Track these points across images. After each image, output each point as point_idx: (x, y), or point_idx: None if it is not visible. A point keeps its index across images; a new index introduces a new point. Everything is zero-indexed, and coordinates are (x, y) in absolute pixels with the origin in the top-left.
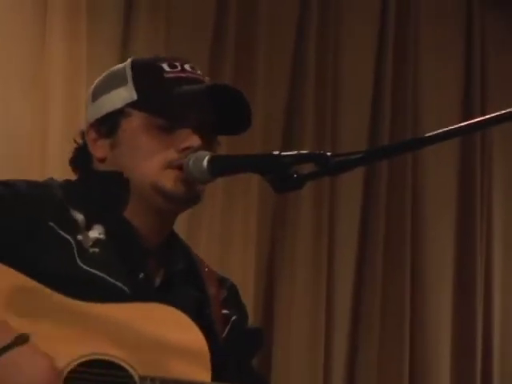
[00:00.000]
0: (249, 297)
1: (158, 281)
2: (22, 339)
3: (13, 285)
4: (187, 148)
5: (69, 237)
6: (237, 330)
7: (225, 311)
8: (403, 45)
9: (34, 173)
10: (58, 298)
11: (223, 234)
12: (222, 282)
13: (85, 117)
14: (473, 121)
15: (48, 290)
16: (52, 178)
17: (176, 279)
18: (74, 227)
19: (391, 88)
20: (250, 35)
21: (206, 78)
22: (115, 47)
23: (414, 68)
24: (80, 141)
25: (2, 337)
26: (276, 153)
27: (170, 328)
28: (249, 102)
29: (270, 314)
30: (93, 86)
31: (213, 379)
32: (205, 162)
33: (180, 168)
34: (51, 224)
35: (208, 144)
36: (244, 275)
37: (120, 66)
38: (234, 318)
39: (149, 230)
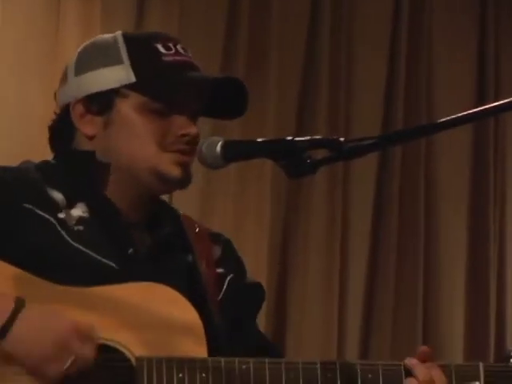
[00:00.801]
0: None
1: (146, 251)
2: (20, 302)
3: (4, 277)
4: (184, 135)
5: (49, 216)
6: (234, 288)
7: (220, 270)
8: (417, 37)
9: (46, 157)
10: (53, 286)
11: (236, 220)
12: (215, 238)
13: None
14: (486, 106)
15: (39, 279)
16: (28, 161)
17: (164, 246)
18: (53, 206)
19: (405, 78)
20: (263, 25)
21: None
22: (129, 27)
23: (428, 59)
24: (58, 114)
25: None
26: (289, 138)
27: (163, 306)
28: (247, 89)
29: (283, 301)
30: (75, 58)
31: (209, 352)
32: (218, 148)
33: (176, 151)
34: (27, 206)
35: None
36: (257, 261)
37: (108, 39)
38: (230, 276)
39: (131, 207)
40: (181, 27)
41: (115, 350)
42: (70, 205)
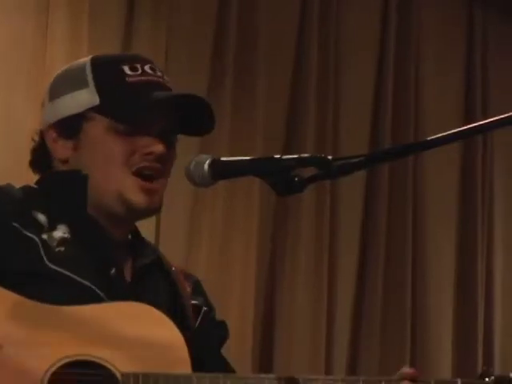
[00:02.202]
0: (250, 302)
1: (128, 276)
2: None
3: None
4: (150, 153)
5: (34, 236)
6: (207, 320)
7: (194, 302)
8: (404, 50)
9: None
10: (33, 304)
11: (224, 238)
12: (188, 276)
13: (42, 114)
14: (474, 124)
15: (22, 298)
16: (9, 184)
17: (145, 273)
18: (37, 227)
19: (392, 92)
20: (250, 42)
21: (165, 77)
22: (116, 51)
23: (415, 72)
24: (37, 140)
25: None
26: (277, 156)
27: (147, 324)
28: (211, 105)
29: (271, 314)
30: (49, 84)
31: (192, 370)
32: (206, 166)
33: (140, 176)
34: (15, 224)
35: (171, 145)
36: (245, 278)
37: (79, 63)
38: (204, 308)
39: (110, 226)
40: (168, 45)
41: (99, 366)
42: (52, 227)
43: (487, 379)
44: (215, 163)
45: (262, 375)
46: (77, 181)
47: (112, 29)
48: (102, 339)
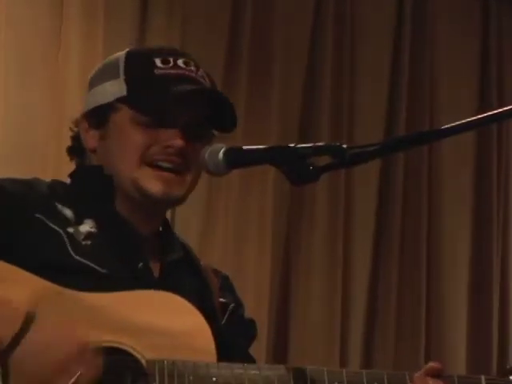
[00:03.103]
0: (265, 292)
1: (156, 271)
2: (29, 317)
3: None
4: (169, 146)
5: (59, 229)
6: (235, 317)
7: (222, 299)
8: (419, 42)
9: (50, 162)
10: (60, 289)
11: (239, 227)
12: (216, 272)
13: None
14: (488, 113)
15: (50, 283)
16: (36, 178)
17: (174, 269)
18: (63, 221)
19: (408, 82)
20: (265, 35)
21: (200, 71)
22: (131, 39)
23: (430, 60)
24: (75, 129)
25: (11, 315)
26: (292, 145)
27: (172, 313)
28: (233, 104)
29: (286, 306)
30: (90, 75)
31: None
32: (220, 154)
33: (157, 167)
34: (38, 215)
35: (197, 143)
36: (260, 268)
37: (117, 55)
38: (232, 305)
39: (139, 221)
40: (182, 44)
41: (125, 353)
42: (79, 221)
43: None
44: (230, 152)
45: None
46: (102, 177)
47: (126, 27)
48: (127, 326)
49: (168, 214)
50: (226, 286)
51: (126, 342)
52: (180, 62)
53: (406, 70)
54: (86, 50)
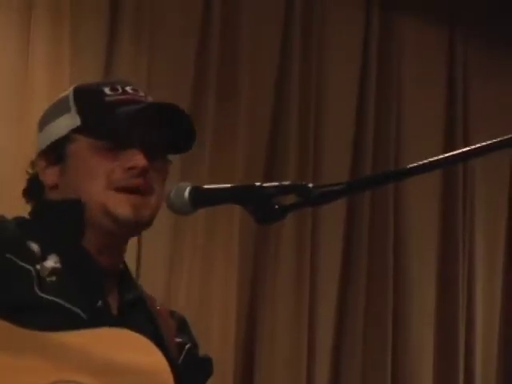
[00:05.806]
0: (231, 325)
1: (114, 309)
2: None
3: None
4: (132, 167)
5: (29, 266)
6: (191, 357)
7: (178, 339)
8: (386, 75)
9: (17, 196)
10: (17, 330)
11: (205, 265)
12: (172, 314)
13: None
14: (455, 152)
15: (8, 324)
16: (3, 216)
17: (132, 307)
18: (32, 257)
19: (374, 119)
20: (232, 63)
21: (149, 98)
22: (98, 67)
23: (397, 98)
24: (31, 171)
25: None
26: (257, 184)
27: (132, 351)
28: (190, 117)
29: (252, 340)
30: (39, 118)
31: None
32: (186, 194)
33: (125, 190)
34: (9, 256)
35: (156, 163)
36: (226, 302)
37: (65, 93)
38: (188, 345)
39: (104, 253)
40: (150, 65)
41: None
42: (44, 257)
43: None
44: (195, 191)
45: None
46: (73, 209)
47: (94, 50)
48: (87, 365)
49: (135, 249)
50: (183, 326)
51: (86, 382)
52: (128, 88)
53: (372, 103)
54: (53, 77)
